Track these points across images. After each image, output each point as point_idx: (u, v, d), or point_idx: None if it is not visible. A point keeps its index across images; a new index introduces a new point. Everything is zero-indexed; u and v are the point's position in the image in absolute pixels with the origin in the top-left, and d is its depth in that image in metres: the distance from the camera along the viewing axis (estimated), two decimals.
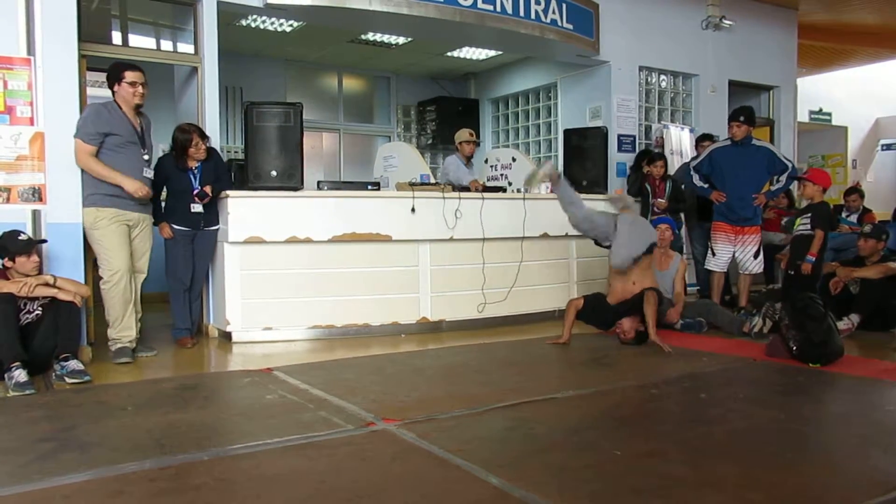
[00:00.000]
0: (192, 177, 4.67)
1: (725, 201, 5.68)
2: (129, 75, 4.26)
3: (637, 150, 7.50)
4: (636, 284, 4.73)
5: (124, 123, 4.27)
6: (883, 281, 5.07)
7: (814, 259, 5.38)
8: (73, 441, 2.71)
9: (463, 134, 6.60)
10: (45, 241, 4.14)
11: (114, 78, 4.28)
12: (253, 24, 7.26)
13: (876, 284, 5.07)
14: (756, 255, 5.69)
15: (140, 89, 4.29)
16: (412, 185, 5.44)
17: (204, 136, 4.72)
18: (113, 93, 4.32)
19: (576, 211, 4.97)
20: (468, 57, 8.89)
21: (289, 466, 2.43)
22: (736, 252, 5.72)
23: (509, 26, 6.31)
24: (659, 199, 6.26)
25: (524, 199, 5.72)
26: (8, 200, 4.13)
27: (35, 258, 3.87)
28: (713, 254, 5.78)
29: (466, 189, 5.80)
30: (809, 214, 5.58)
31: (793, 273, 5.55)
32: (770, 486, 2.24)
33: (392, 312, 5.22)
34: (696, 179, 5.90)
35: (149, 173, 4.42)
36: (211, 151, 4.79)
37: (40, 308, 3.84)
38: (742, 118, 5.64)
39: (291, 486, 2.26)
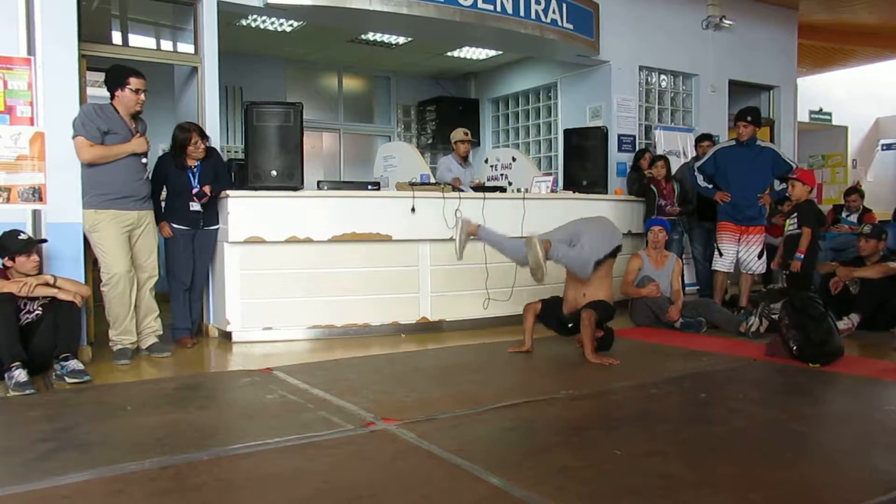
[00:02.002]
0: (191, 176, 4.67)
1: (730, 201, 5.68)
2: (134, 82, 4.24)
3: (637, 150, 7.51)
4: (587, 297, 4.32)
5: (122, 125, 4.27)
6: (883, 281, 5.07)
7: (802, 256, 5.40)
8: (73, 441, 2.71)
9: (458, 133, 6.61)
10: (44, 240, 4.13)
11: (116, 82, 4.24)
12: (253, 24, 7.26)
13: (876, 284, 5.06)
14: (760, 256, 5.69)
15: (142, 97, 4.28)
16: (412, 184, 5.44)
17: (204, 136, 4.71)
18: (112, 96, 4.29)
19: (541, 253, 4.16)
20: (468, 57, 8.89)
21: (289, 466, 2.43)
22: (739, 251, 5.72)
23: (509, 26, 6.31)
24: (672, 207, 6.26)
25: (524, 198, 5.72)
26: (8, 200, 4.13)
27: (35, 258, 3.87)
28: (720, 254, 5.78)
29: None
30: (796, 214, 5.59)
31: (788, 273, 5.58)
32: (770, 485, 2.24)
33: (392, 312, 5.22)
34: (700, 180, 5.90)
35: (147, 178, 4.43)
36: (210, 151, 4.79)
37: (40, 308, 3.84)
38: (749, 118, 5.64)
39: (291, 485, 2.26)
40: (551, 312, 4.50)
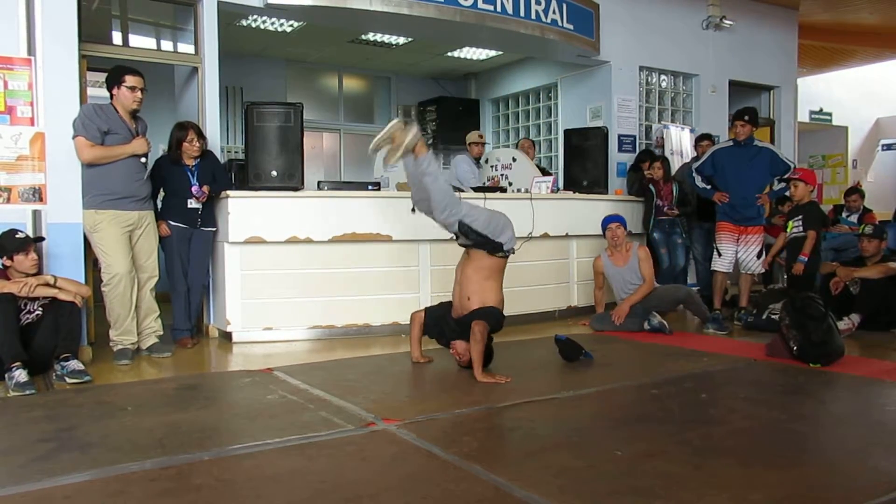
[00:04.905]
0: (189, 174, 4.68)
1: (728, 201, 5.68)
2: (130, 79, 4.26)
3: (637, 151, 7.51)
4: (471, 300, 3.86)
5: (121, 125, 4.28)
6: (883, 281, 5.07)
7: (806, 259, 5.40)
8: (73, 441, 2.71)
9: (472, 136, 6.98)
10: (42, 238, 4.14)
11: (113, 80, 4.28)
12: (253, 25, 7.27)
13: (876, 284, 5.07)
14: (759, 256, 5.69)
15: (139, 94, 4.29)
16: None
17: (201, 135, 4.72)
18: (111, 95, 4.32)
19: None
20: (468, 57, 8.89)
21: (289, 466, 2.43)
22: (738, 251, 5.72)
23: (510, 26, 6.31)
24: (670, 208, 6.25)
25: (531, 199, 5.71)
26: (8, 201, 4.14)
27: (33, 256, 3.87)
28: (719, 254, 5.78)
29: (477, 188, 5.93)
30: (801, 217, 5.57)
31: (790, 275, 5.58)
32: (770, 486, 2.24)
33: (392, 312, 5.21)
34: (698, 181, 5.89)
35: (146, 179, 4.44)
36: (208, 153, 4.81)
37: (41, 308, 3.84)
38: (746, 118, 5.64)
39: (292, 486, 2.26)
40: (434, 322, 4.06)
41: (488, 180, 7.23)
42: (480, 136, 7.00)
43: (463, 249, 4.03)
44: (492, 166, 7.41)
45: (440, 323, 4.05)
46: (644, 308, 5.28)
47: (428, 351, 4.21)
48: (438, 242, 5.32)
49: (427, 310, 4.18)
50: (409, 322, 4.10)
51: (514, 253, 3.97)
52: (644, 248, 5.53)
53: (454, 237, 4.01)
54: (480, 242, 3.86)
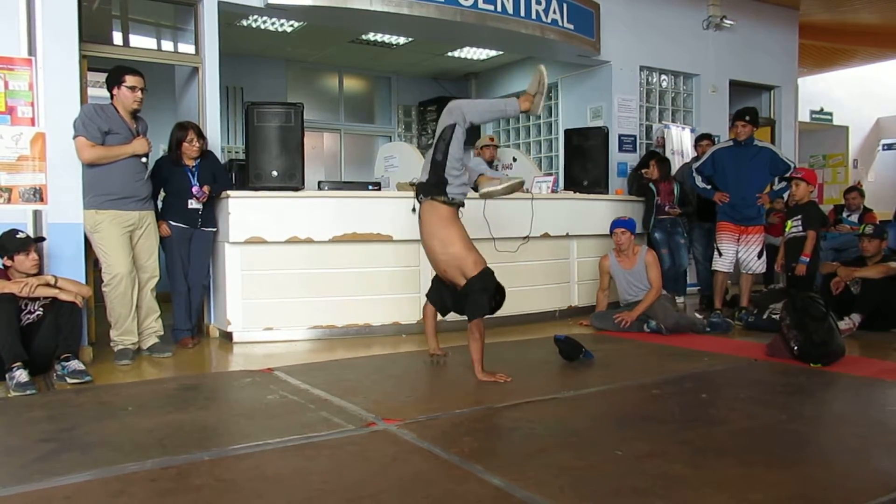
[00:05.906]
0: (189, 174, 4.68)
1: (729, 201, 5.68)
2: (130, 79, 4.26)
3: (638, 151, 7.51)
4: (436, 246, 3.87)
5: (122, 125, 4.28)
6: (884, 281, 5.07)
7: (808, 260, 5.40)
8: (74, 441, 2.71)
9: (483, 139, 6.98)
10: (43, 238, 4.14)
11: (114, 81, 4.28)
12: (254, 25, 7.27)
13: (877, 284, 5.07)
14: (760, 255, 5.69)
15: (139, 94, 4.29)
16: (413, 185, 5.43)
17: (200, 135, 4.72)
18: (111, 95, 4.33)
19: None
20: (469, 57, 8.89)
21: (290, 466, 2.43)
22: (739, 251, 5.72)
23: (510, 26, 6.32)
24: (672, 207, 6.25)
25: (532, 199, 5.71)
26: (9, 201, 4.14)
27: (34, 256, 3.87)
28: (719, 254, 5.78)
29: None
30: (800, 216, 5.57)
31: (790, 275, 5.58)
32: (771, 486, 2.24)
33: (393, 312, 5.22)
34: (698, 182, 5.89)
35: (146, 179, 4.44)
36: (208, 153, 4.81)
37: (41, 308, 3.84)
38: (747, 118, 5.64)
39: (292, 486, 2.26)
40: (437, 296, 4.08)
41: None
42: (491, 139, 6.99)
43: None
44: (493, 167, 7.43)
45: (441, 296, 4.05)
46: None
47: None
48: None
49: (428, 296, 4.20)
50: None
51: (460, 205, 3.94)
52: (652, 253, 5.44)
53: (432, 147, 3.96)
54: (433, 181, 3.82)
